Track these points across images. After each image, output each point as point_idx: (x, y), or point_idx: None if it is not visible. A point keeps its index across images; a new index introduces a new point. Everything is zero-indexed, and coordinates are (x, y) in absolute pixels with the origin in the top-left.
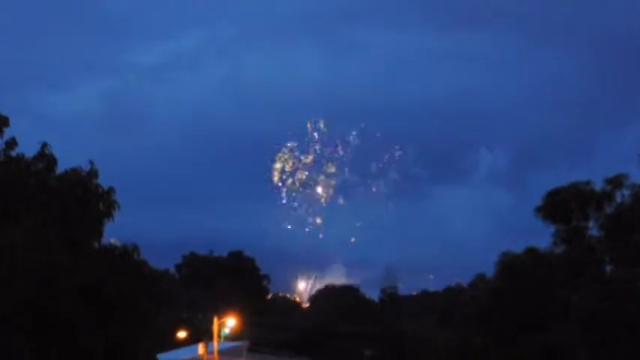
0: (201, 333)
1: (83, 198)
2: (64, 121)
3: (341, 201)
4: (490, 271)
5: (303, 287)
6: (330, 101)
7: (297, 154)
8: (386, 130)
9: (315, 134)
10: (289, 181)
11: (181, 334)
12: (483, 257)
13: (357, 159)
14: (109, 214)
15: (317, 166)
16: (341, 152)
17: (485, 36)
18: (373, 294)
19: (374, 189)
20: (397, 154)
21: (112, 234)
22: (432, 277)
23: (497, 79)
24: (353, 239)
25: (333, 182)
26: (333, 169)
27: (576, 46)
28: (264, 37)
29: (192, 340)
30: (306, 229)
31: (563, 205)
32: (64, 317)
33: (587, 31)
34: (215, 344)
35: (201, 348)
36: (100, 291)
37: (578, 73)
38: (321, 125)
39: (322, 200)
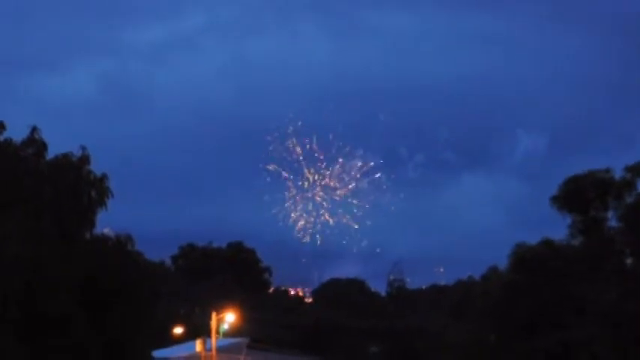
0: (199, 329)
1: (75, 185)
2: (55, 104)
3: (350, 189)
4: (504, 263)
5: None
6: (339, 86)
7: (304, 140)
8: (398, 115)
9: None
10: (294, 169)
11: (178, 330)
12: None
13: (368, 146)
14: (101, 203)
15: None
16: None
17: (501, 16)
18: (380, 287)
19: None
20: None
21: (105, 224)
22: (442, 270)
23: (514, 60)
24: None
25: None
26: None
27: (596, 25)
28: (269, 17)
29: (189, 337)
30: (312, 220)
31: (580, 195)
32: (56, 312)
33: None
34: (213, 341)
35: (198, 345)
36: (93, 284)
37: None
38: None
39: (330, 190)
